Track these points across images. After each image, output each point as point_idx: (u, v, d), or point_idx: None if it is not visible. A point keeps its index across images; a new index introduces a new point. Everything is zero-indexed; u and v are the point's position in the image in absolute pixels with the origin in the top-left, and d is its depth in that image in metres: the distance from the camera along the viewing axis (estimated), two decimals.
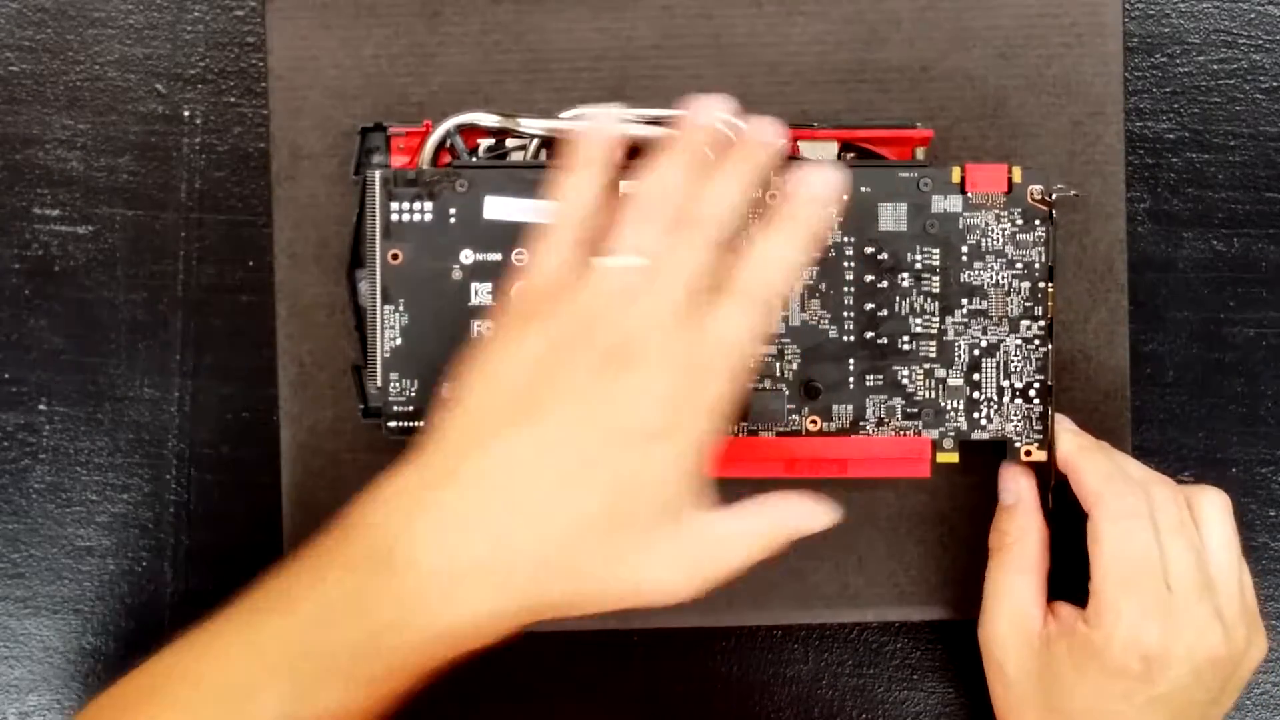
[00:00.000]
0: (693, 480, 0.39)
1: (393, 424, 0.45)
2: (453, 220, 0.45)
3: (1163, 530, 0.43)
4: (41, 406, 0.50)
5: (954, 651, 0.52)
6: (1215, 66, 0.51)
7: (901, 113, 0.49)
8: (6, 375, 0.51)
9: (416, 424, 0.45)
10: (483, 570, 0.38)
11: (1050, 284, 0.45)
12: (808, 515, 0.42)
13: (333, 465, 0.47)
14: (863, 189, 0.45)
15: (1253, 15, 0.51)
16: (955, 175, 0.45)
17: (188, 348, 0.50)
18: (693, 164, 0.41)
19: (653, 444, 0.38)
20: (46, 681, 0.51)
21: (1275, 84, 0.51)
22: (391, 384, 0.45)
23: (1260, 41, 0.51)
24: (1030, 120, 0.49)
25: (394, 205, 0.45)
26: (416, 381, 0.45)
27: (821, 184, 0.40)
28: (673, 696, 0.51)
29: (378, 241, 0.45)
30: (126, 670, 0.41)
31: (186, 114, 0.51)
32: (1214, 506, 0.45)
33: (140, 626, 0.52)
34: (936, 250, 0.45)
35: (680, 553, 0.39)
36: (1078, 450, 0.45)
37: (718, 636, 0.51)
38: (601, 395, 0.38)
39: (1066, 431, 0.46)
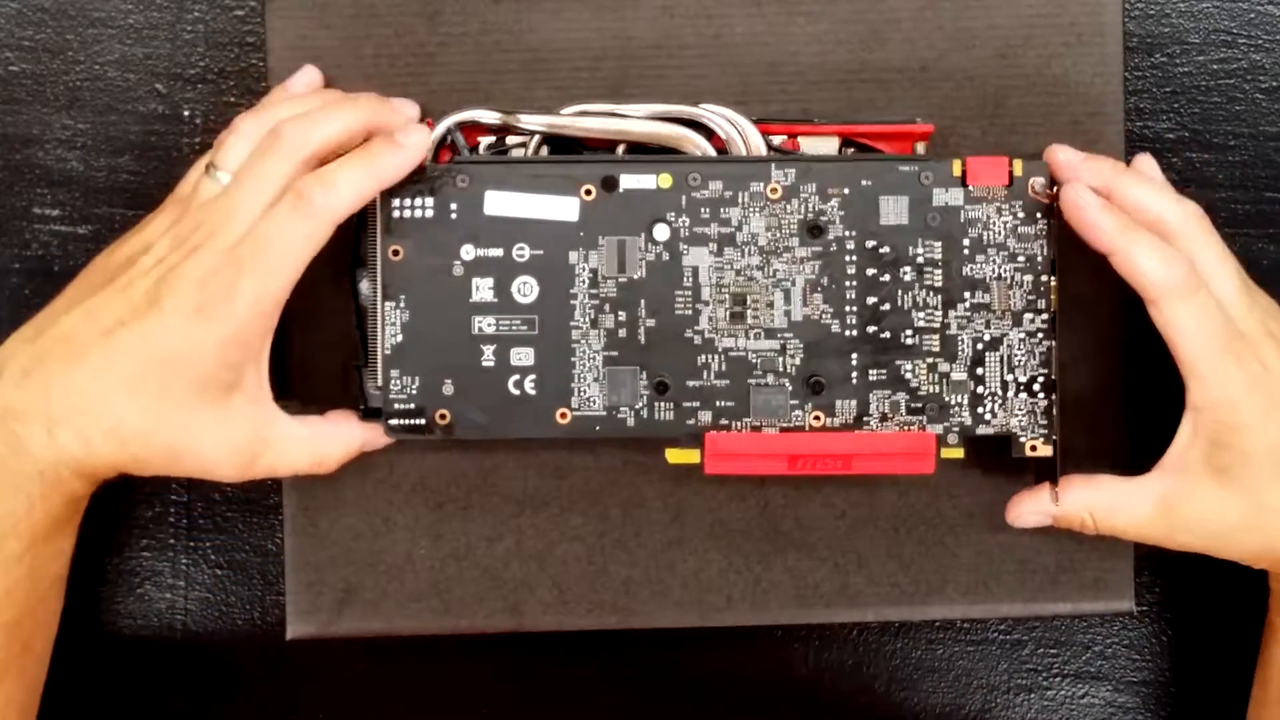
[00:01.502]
0: (234, 368, 0.42)
1: (393, 422, 0.45)
2: (454, 216, 0.45)
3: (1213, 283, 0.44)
4: None
5: (954, 651, 0.51)
6: (1215, 66, 0.51)
7: (901, 112, 0.49)
8: None
9: (418, 421, 0.45)
10: (63, 420, 0.42)
11: (1053, 277, 0.45)
12: (369, 432, 0.46)
13: None
14: (864, 183, 0.45)
15: (1253, 15, 0.51)
16: (956, 169, 0.45)
17: None
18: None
19: (191, 323, 0.41)
20: None
21: (1275, 84, 0.51)
22: (392, 382, 0.45)
23: (1260, 41, 0.51)
24: (1030, 120, 0.49)
25: (395, 201, 0.45)
26: (417, 379, 0.45)
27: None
28: (673, 696, 0.51)
29: (379, 238, 0.45)
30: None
31: (186, 114, 0.51)
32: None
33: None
34: (938, 244, 0.45)
35: (227, 435, 0.43)
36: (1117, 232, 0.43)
37: (718, 636, 0.50)
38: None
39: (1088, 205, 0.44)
